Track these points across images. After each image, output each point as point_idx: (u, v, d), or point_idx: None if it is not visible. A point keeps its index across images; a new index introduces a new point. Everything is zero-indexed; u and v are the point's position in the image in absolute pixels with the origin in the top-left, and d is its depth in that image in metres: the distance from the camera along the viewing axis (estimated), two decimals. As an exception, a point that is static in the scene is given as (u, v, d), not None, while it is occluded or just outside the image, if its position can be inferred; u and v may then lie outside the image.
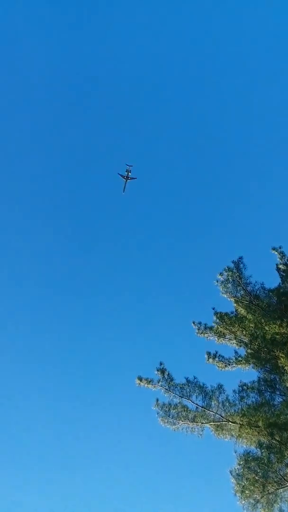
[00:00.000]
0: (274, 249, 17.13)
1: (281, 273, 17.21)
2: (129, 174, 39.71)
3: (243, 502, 12.37)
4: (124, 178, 39.67)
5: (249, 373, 16.28)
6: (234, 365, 16.57)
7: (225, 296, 16.94)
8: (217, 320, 16.69)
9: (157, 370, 15.54)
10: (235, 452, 13.82)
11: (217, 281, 17.03)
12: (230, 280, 16.76)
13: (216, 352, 16.71)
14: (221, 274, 17.00)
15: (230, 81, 61.04)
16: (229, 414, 14.68)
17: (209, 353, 16.71)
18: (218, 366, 16.65)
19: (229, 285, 16.80)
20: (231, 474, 13.19)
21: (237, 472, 12.97)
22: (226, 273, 16.86)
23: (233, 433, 14.50)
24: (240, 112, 61.14)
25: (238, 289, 16.71)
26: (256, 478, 12.18)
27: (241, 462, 12.70)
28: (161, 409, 15.06)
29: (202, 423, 14.76)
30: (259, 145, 59.02)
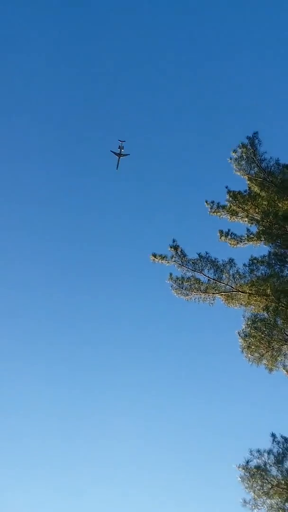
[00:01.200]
0: (291, 123, 16.32)
1: (298, 148, 16.65)
2: (122, 150, 37.96)
3: (249, 356, 13.65)
4: (117, 155, 38.05)
5: (260, 248, 16.74)
6: (245, 242, 16.97)
7: (239, 174, 16.70)
8: (230, 199, 16.71)
9: (170, 247, 16.11)
10: (243, 317, 14.85)
11: (231, 159, 16.66)
12: (244, 157, 16.36)
13: (229, 230, 17.00)
14: (235, 151, 16.55)
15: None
16: (239, 285, 15.48)
17: (221, 232, 17.03)
18: (230, 244, 17.09)
19: (243, 162, 16.45)
20: (239, 335, 14.34)
21: (244, 332, 14.08)
22: (240, 150, 16.40)
23: (242, 302, 15.45)
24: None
25: (252, 166, 16.39)
26: (262, 336, 13.23)
27: (249, 323, 13.72)
28: (175, 282, 15.94)
29: (213, 293, 15.68)
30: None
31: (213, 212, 17.00)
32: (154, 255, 16.22)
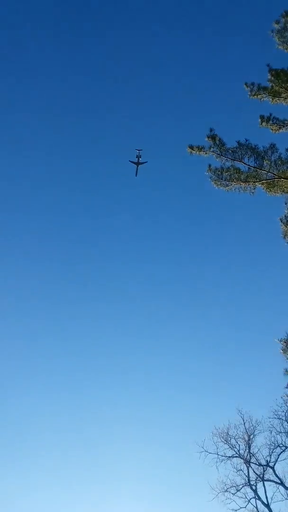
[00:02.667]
0: None
1: None
2: (140, 159, 39.07)
3: (290, 241, 13.65)
4: (135, 163, 38.93)
5: (305, 132, 15.74)
6: (289, 126, 15.95)
7: (282, 48, 15.18)
8: (272, 78, 15.40)
9: (208, 137, 15.48)
10: (286, 204, 14.58)
11: (273, 31, 15.04)
12: (288, 26, 14.69)
13: (270, 115, 15.92)
14: (277, 22, 14.88)
15: None
16: (281, 171, 14.96)
17: (262, 117, 15.98)
18: (272, 129, 16.09)
19: (287, 33, 14.82)
20: (281, 222, 14.24)
21: (286, 218, 13.93)
22: (283, 19, 14.73)
23: (285, 189, 15.05)
24: None
25: (297, 37, 14.77)
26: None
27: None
28: (214, 173, 15.59)
29: (254, 182, 15.29)
30: None
31: (253, 95, 15.83)
32: (191, 147, 15.70)
